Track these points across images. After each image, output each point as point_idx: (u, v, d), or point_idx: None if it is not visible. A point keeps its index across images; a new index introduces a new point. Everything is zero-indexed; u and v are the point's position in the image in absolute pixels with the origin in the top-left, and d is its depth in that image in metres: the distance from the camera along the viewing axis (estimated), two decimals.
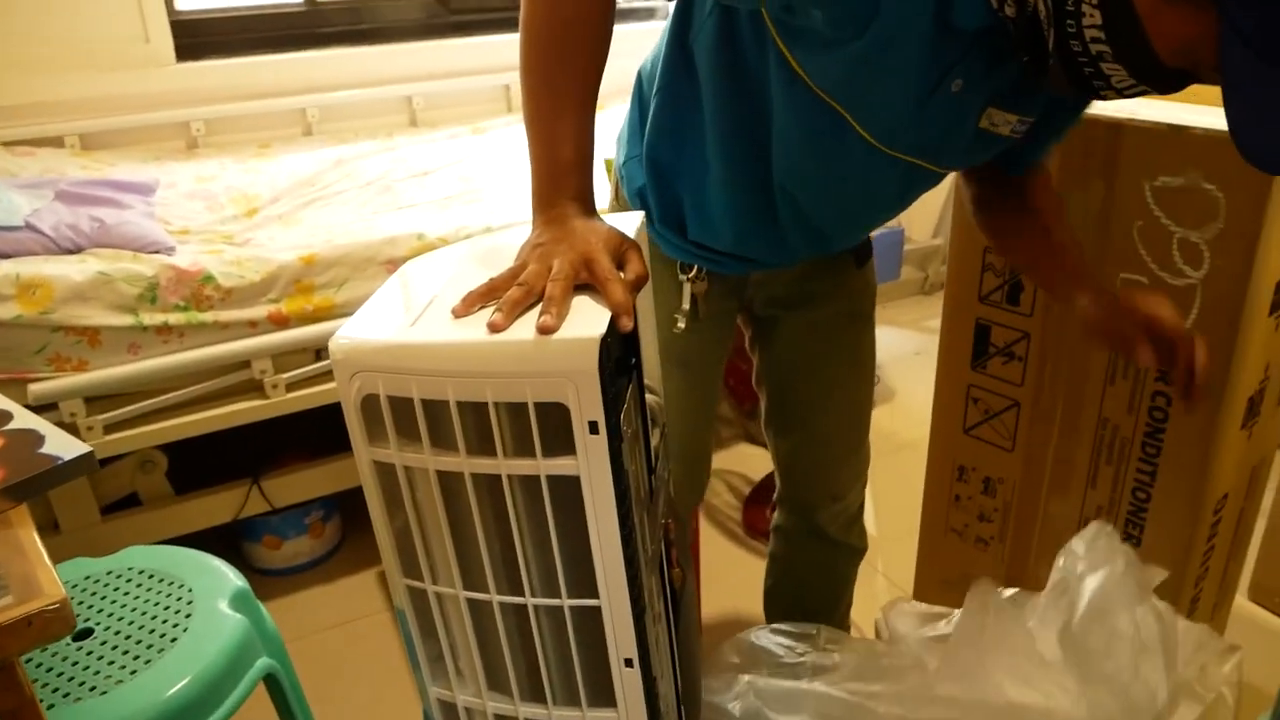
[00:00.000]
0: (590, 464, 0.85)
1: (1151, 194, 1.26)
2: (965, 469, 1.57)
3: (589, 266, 0.89)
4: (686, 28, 1.12)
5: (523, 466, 0.87)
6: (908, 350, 3.14)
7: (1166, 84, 0.85)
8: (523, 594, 0.94)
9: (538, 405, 0.84)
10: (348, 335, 0.89)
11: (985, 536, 1.57)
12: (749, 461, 2.37)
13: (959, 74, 0.98)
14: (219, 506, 1.90)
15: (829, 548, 1.50)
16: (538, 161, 0.99)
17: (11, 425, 1.06)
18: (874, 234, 1.34)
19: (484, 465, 0.88)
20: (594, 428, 0.84)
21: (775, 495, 1.54)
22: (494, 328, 0.84)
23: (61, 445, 1.01)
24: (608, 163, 1.39)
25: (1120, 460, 1.37)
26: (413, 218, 2.03)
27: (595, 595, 0.92)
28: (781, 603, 1.58)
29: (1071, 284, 1.14)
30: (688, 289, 1.24)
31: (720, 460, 2.41)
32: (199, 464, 1.92)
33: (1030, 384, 1.45)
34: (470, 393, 0.84)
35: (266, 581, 2.03)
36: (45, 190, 1.91)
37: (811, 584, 1.55)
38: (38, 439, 1.02)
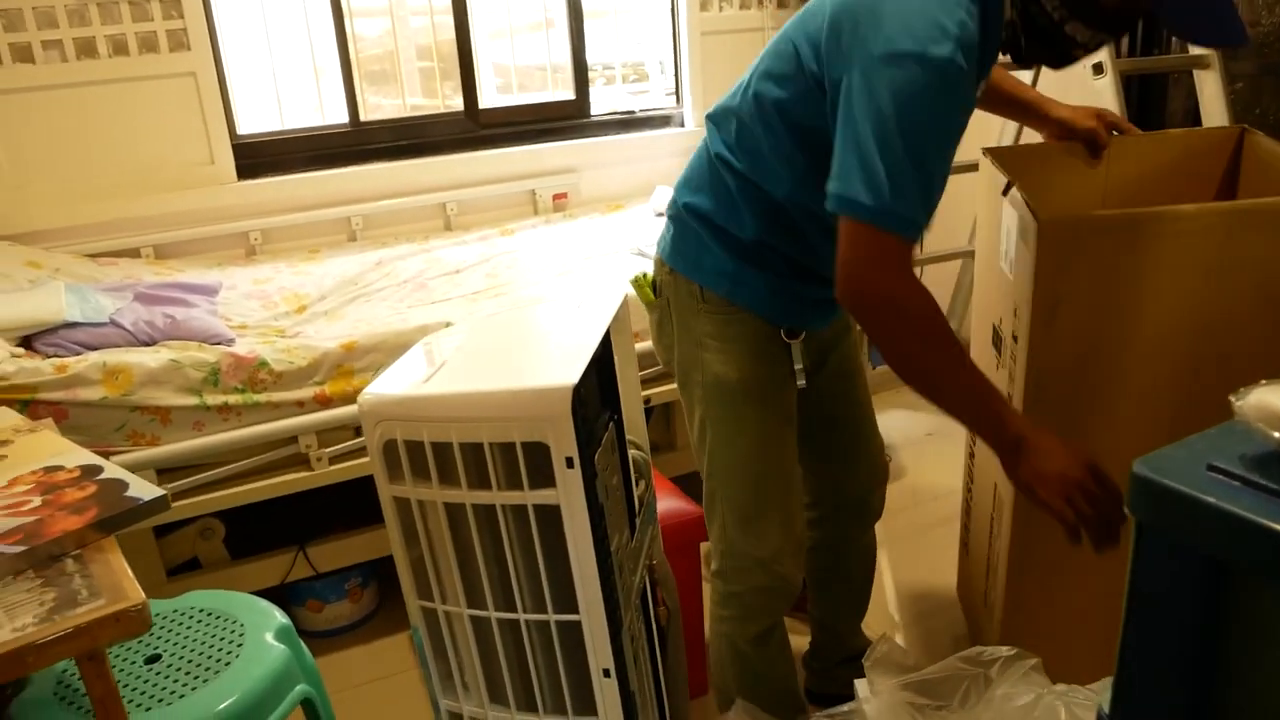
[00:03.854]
0: (568, 494, 1.05)
1: None
2: None
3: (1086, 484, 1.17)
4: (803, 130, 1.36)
5: (512, 497, 1.07)
6: (919, 432, 3.28)
7: (1117, 28, 1.23)
8: (516, 610, 1.12)
9: (524, 444, 1.04)
10: (373, 392, 1.10)
11: None
12: None
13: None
14: (269, 570, 2.09)
15: (870, 531, 1.79)
16: (987, 422, 1.24)
17: (102, 475, 1.28)
18: None
19: (481, 497, 1.08)
20: (570, 463, 1.03)
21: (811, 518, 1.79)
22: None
23: (142, 490, 1.22)
24: (640, 281, 1.59)
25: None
26: (444, 310, 2.26)
27: (576, 611, 1.10)
28: (832, 587, 1.85)
29: (1036, 111, 1.66)
30: (798, 350, 1.49)
31: None
32: (252, 532, 2.13)
33: None
34: (470, 435, 1.05)
35: (309, 642, 2.19)
36: (126, 293, 2.18)
37: (858, 568, 1.83)
38: (123, 485, 1.24)
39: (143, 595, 1.04)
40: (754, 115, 1.37)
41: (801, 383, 1.49)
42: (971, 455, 1.95)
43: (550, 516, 1.07)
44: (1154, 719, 0.81)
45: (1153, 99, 2.76)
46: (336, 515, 2.18)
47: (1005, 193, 1.56)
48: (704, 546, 1.93)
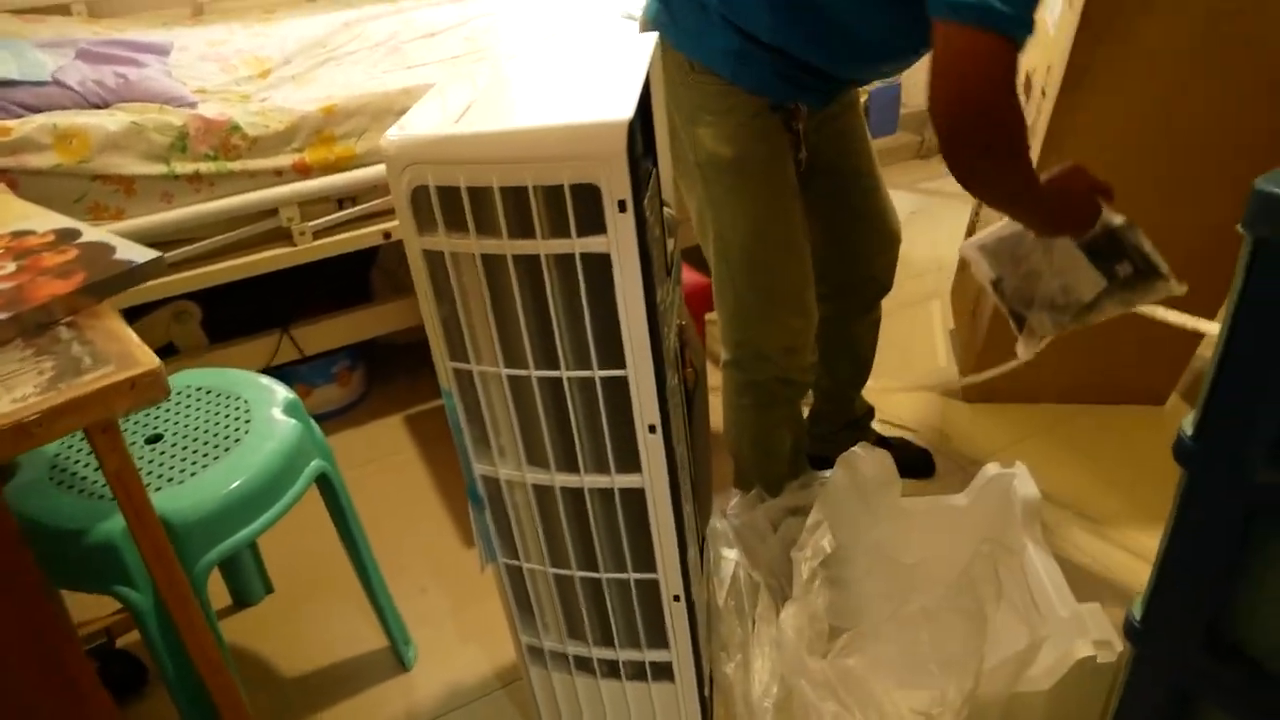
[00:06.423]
0: (619, 240, 0.96)
1: None
2: None
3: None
4: None
5: (559, 246, 0.97)
6: (904, 209, 3.23)
7: None
8: (558, 368, 1.05)
9: (572, 187, 0.93)
10: (398, 133, 0.98)
11: None
12: None
13: None
14: (252, 354, 2.00)
15: (878, 304, 1.75)
16: (1032, 216, 1.30)
17: (82, 239, 1.16)
18: (872, 87, 1.49)
19: (524, 246, 0.98)
20: (622, 206, 0.94)
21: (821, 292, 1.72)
22: None
23: (131, 252, 1.10)
24: None
25: None
26: (423, 76, 2.08)
27: (623, 366, 1.03)
28: (839, 359, 1.79)
29: None
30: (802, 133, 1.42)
31: None
32: (232, 315, 2.02)
33: None
34: (512, 178, 0.94)
35: None
36: (66, 49, 1.96)
37: (864, 340, 1.80)
38: (109, 248, 1.12)
39: (157, 361, 0.94)
40: None
41: (803, 154, 1.41)
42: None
43: (597, 266, 0.98)
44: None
45: None
46: (322, 295, 2.07)
47: None
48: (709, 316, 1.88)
